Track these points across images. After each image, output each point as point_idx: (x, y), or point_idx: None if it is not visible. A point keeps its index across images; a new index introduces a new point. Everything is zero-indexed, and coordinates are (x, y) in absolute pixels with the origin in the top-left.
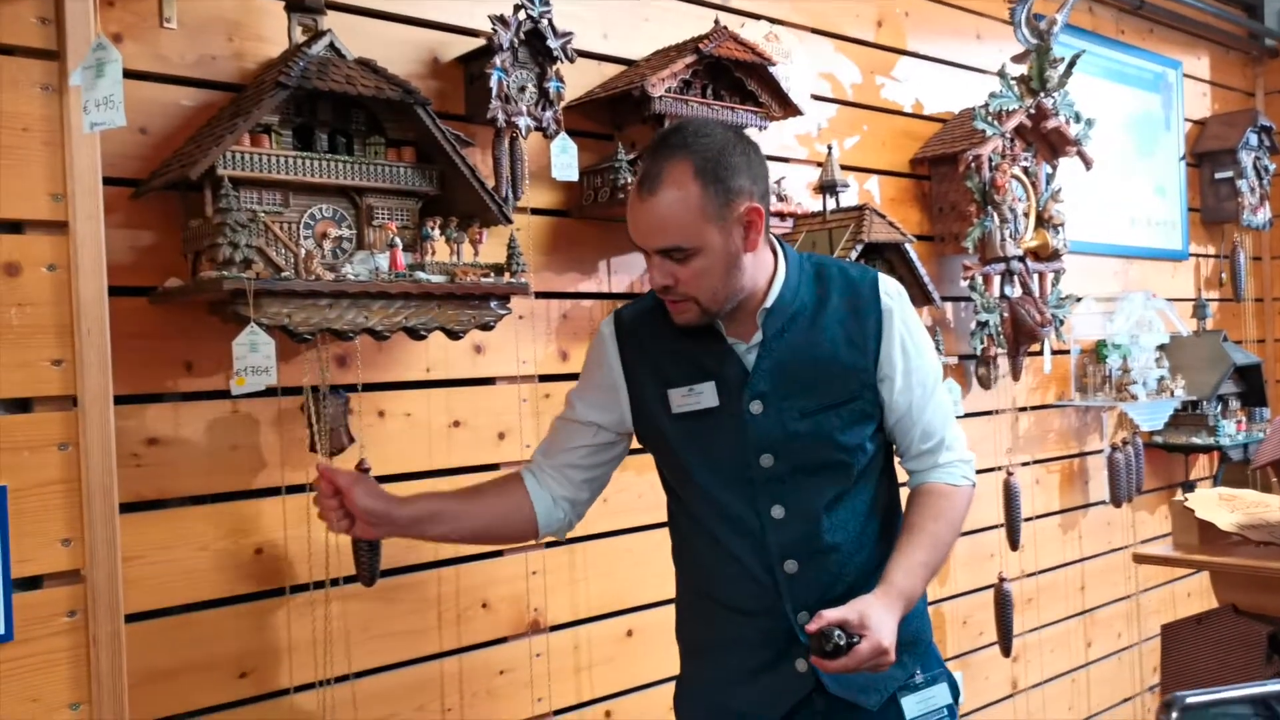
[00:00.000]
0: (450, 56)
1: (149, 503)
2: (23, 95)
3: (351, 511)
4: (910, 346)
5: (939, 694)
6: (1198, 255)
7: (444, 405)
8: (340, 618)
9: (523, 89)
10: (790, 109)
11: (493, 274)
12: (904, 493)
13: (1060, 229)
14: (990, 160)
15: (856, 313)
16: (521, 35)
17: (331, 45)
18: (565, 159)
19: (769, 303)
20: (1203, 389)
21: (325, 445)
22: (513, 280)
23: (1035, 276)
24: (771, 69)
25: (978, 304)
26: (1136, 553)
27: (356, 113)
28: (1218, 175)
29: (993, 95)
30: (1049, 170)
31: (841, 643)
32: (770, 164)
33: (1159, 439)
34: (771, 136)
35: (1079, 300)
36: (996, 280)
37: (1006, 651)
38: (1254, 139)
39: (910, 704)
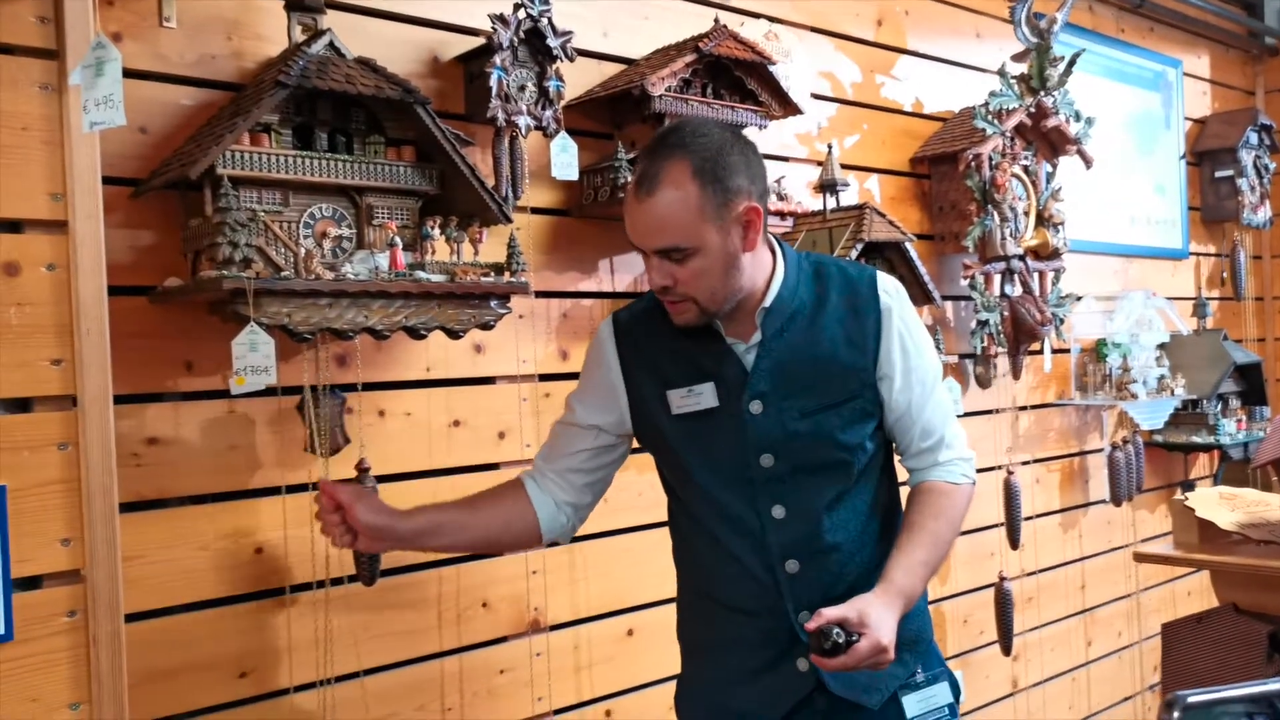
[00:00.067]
0: (450, 55)
1: (149, 502)
2: (22, 94)
3: (354, 527)
4: (909, 345)
5: (940, 693)
6: (1198, 254)
7: (444, 405)
8: (340, 617)
9: (522, 88)
10: (790, 108)
11: (493, 273)
12: (904, 491)
13: (1060, 228)
14: (990, 159)
15: (855, 311)
16: (521, 34)
17: (331, 44)
18: (565, 158)
19: (768, 302)
20: (1203, 388)
21: (325, 445)
22: (513, 279)
23: (1035, 275)
24: (771, 68)
25: (978, 303)
26: (1137, 551)
27: (356, 112)
28: (1218, 174)
29: (993, 94)
30: (1049, 169)
31: (840, 641)
32: (770, 163)
33: (1159, 438)
34: (771, 135)
35: (1079, 299)
36: (997, 279)
37: (1007, 650)
38: (1254, 137)
39: (911, 703)
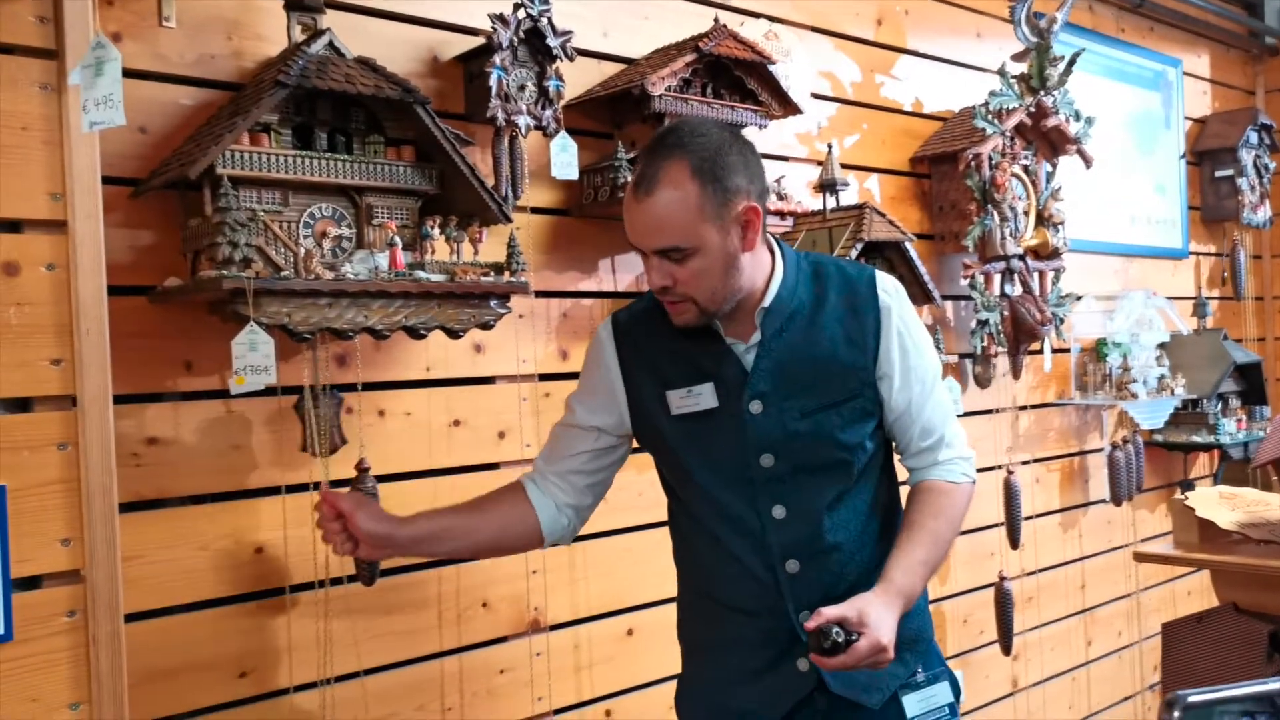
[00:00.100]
0: (450, 55)
1: (148, 502)
2: (22, 94)
3: (354, 535)
4: (909, 344)
5: (940, 692)
6: (1198, 253)
7: (444, 404)
8: (340, 617)
9: (522, 88)
10: (790, 107)
11: (492, 273)
12: (904, 491)
13: (1060, 227)
14: (990, 159)
15: (855, 311)
16: (521, 34)
17: (331, 44)
18: (565, 158)
19: (767, 302)
20: (1203, 387)
21: (325, 446)
22: (513, 279)
23: (1035, 275)
24: (771, 67)
25: (978, 302)
26: (1137, 551)
27: (356, 111)
28: (1218, 173)
29: (993, 94)
30: (1049, 168)
31: (840, 640)
32: (770, 163)
33: (1159, 437)
34: (771, 135)
35: (1079, 299)
36: (997, 279)
37: (1007, 650)
38: (1254, 137)
39: (911, 702)
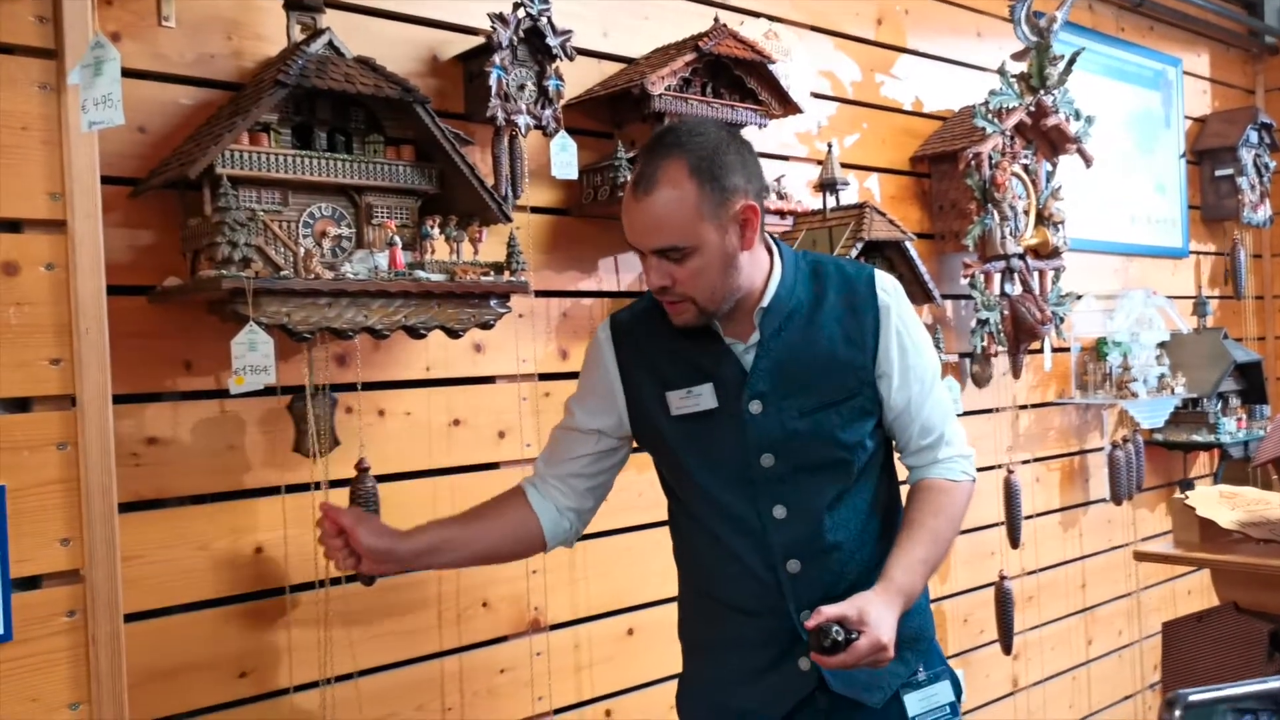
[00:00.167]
0: (449, 55)
1: (148, 502)
2: (21, 94)
3: (356, 550)
4: (908, 342)
5: (941, 691)
6: (1198, 253)
7: (444, 404)
8: (340, 617)
9: (522, 87)
10: (790, 107)
11: (492, 272)
12: (904, 490)
13: (1060, 226)
14: (990, 158)
15: (853, 310)
16: (521, 33)
17: (330, 44)
18: (565, 157)
19: (765, 302)
20: (1203, 386)
21: (324, 446)
22: (512, 279)
23: (1035, 274)
24: (771, 67)
25: (978, 302)
26: (1137, 550)
27: (355, 111)
28: (1218, 172)
29: (993, 93)
30: (1049, 168)
31: (840, 638)
32: (770, 162)
33: (1159, 436)
34: (771, 134)
35: (1079, 298)
36: (997, 278)
37: (1007, 649)
38: (1254, 136)
39: (913, 701)
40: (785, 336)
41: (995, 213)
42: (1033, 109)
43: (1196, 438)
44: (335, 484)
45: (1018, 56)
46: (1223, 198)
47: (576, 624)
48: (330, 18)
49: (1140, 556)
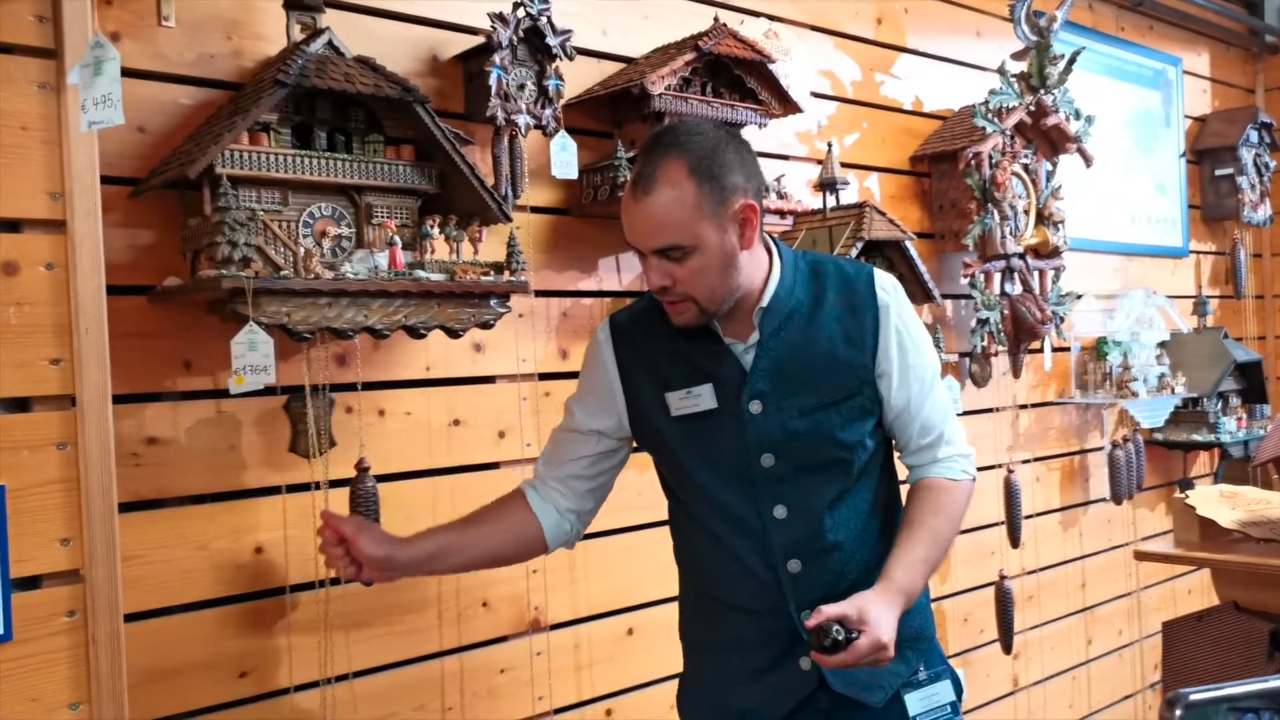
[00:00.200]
0: (449, 54)
1: (148, 502)
2: (20, 93)
3: (357, 559)
4: (907, 341)
5: (942, 691)
6: (1198, 252)
7: (444, 404)
8: (340, 617)
9: (522, 87)
10: (790, 106)
11: (492, 272)
12: (905, 490)
13: (1060, 226)
14: (990, 157)
15: (853, 309)
16: (521, 33)
17: (330, 43)
18: (565, 157)
19: (765, 302)
20: (1203, 386)
21: (319, 446)
22: (512, 278)
23: (1035, 274)
24: (771, 66)
25: (978, 301)
26: (1138, 550)
27: (355, 111)
28: (1218, 172)
29: (993, 92)
30: (1049, 167)
31: (840, 638)
32: (770, 162)
33: (1159, 436)
34: (771, 134)
35: (1079, 297)
36: (997, 277)
37: (1007, 649)
38: (1254, 136)
39: (914, 701)
40: (785, 336)
41: (995, 212)
42: (1033, 108)
43: (1197, 437)
44: (335, 484)
45: (1018, 56)
46: (1223, 197)
47: (576, 624)
48: (330, 17)
49: (1141, 556)
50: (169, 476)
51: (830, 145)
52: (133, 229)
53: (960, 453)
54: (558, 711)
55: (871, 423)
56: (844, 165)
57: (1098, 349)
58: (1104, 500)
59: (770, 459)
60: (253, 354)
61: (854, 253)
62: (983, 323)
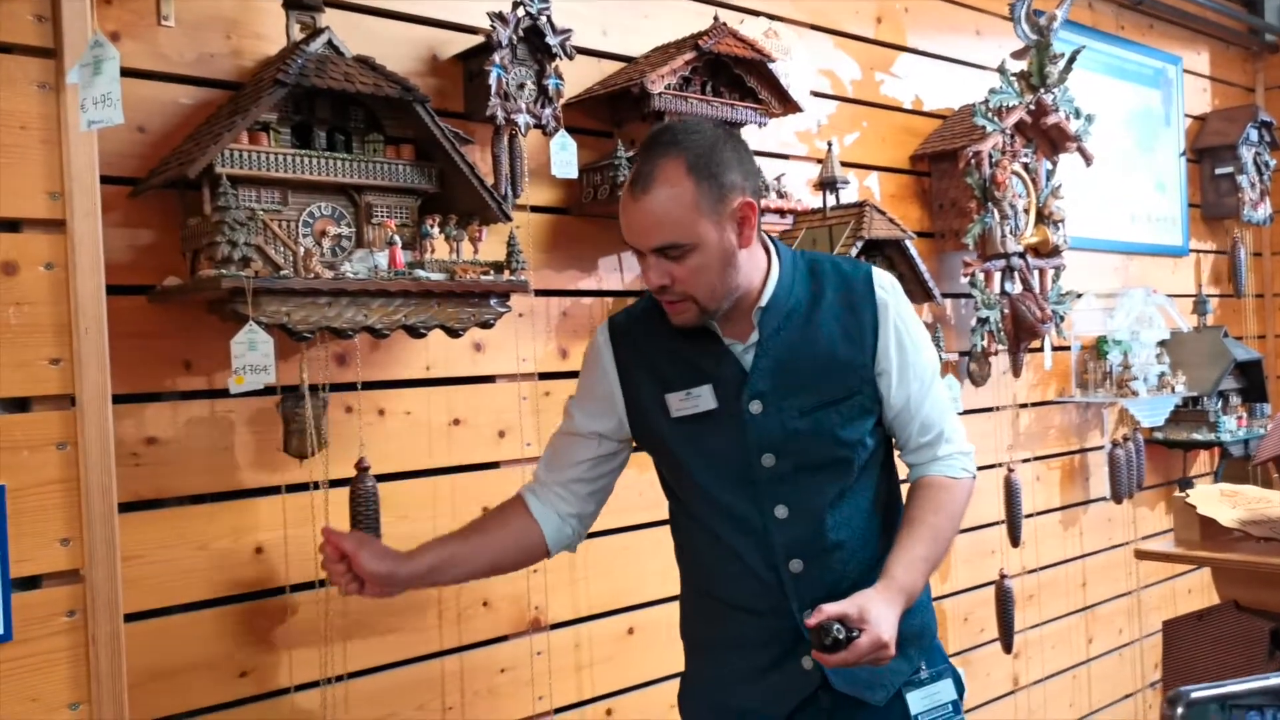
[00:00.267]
0: (449, 54)
1: (148, 502)
2: (20, 93)
3: (359, 575)
4: (907, 340)
5: (944, 689)
6: (1198, 251)
7: (444, 403)
8: (340, 617)
9: (522, 86)
10: (790, 105)
11: (492, 272)
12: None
13: (1060, 225)
14: (990, 156)
15: (852, 308)
16: (520, 32)
17: (330, 43)
18: (565, 156)
19: (764, 301)
20: (1203, 385)
21: (314, 445)
22: (512, 278)
23: (1035, 273)
24: (771, 65)
25: (978, 300)
26: (1138, 549)
27: (355, 110)
28: (1218, 171)
29: (993, 91)
30: (1049, 166)
31: (841, 636)
32: (770, 161)
33: (1160, 435)
34: (771, 133)
35: (1079, 296)
36: (997, 276)
37: (1008, 648)
38: (1254, 134)
39: (915, 700)
40: (784, 336)
41: (995, 211)
42: (1033, 107)
43: (1197, 436)
44: (335, 484)
45: (1018, 55)
46: (1223, 196)
47: (577, 623)
48: (329, 17)
49: (1141, 555)
50: (169, 476)
51: (830, 144)
52: (132, 229)
53: (960, 450)
54: (558, 711)
55: (872, 421)
56: (844, 164)
57: (1098, 348)
58: (1104, 499)
59: (771, 459)
60: (252, 354)
61: (854, 252)
62: (983, 322)
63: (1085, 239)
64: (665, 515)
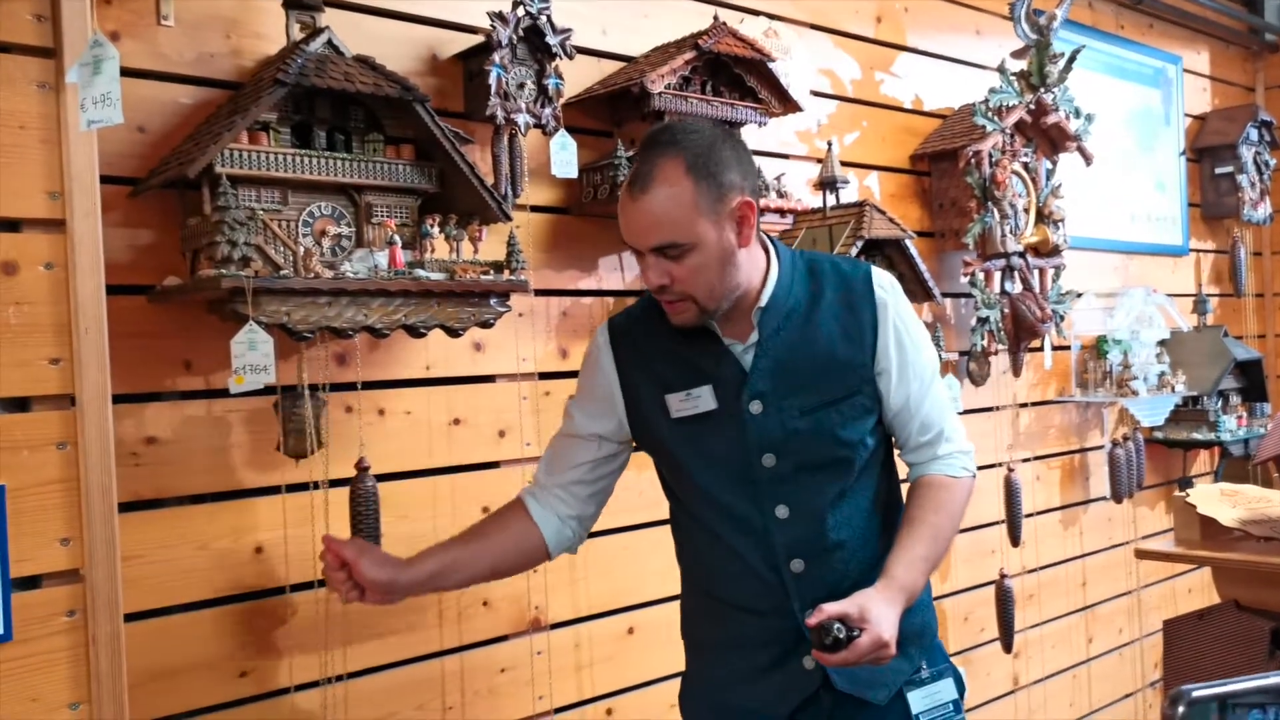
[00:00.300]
0: (449, 53)
1: (148, 502)
2: (19, 93)
3: (360, 583)
4: (906, 339)
5: (945, 689)
6: (1198, 250)
7: (444, 403)
8: (340, 617)
9: (522, 86)
10: (790, 105)
11: (492, 271)
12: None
13: (1060, 224)
14: (990, 156)
15: (851, 307)
16: (520, 32)
17: (329, 42)
18: (565, 156)
19: (763, 301)
20: (1203, 384)
21: (311, 446)
22: (512, 278)
23: (1035, 272)
24: (771, 65)
25: (978, 300)
26: (1138, 548)
27: (355, 110)
28: (1218, 170)
29: (992, 91)
30: (1049, 166)
31: (842, 636)
32: (770, 160)
33: (1160, 434)
34: (771, 133)
35: (1079, 296)
36: (997, 276)
37: (1008, 648)
38: (1254, 134)
39: (916, 699)
40: (784, 336)
41: (995, 211)
42: (1033, 107)
43: (1197, 435)
44: (335, 483)
45: (1018, 54)
46: (1223, 195)
47: (577, 623)
48: (329, 16)
49: (1142, 554)
50: (169, 476)
51: (830, 144)
52: (132, 229)
53: (960, 449)
54: (558, 711)
55: (872, 421)
56: (844, 164)
57: (1098, 347)
58: (1104, 499)
59: (771, 459)
60: (252, 353)
61: (854, 251)
62: (983, 321)
63: (1085, 238)
64: (665, 515)
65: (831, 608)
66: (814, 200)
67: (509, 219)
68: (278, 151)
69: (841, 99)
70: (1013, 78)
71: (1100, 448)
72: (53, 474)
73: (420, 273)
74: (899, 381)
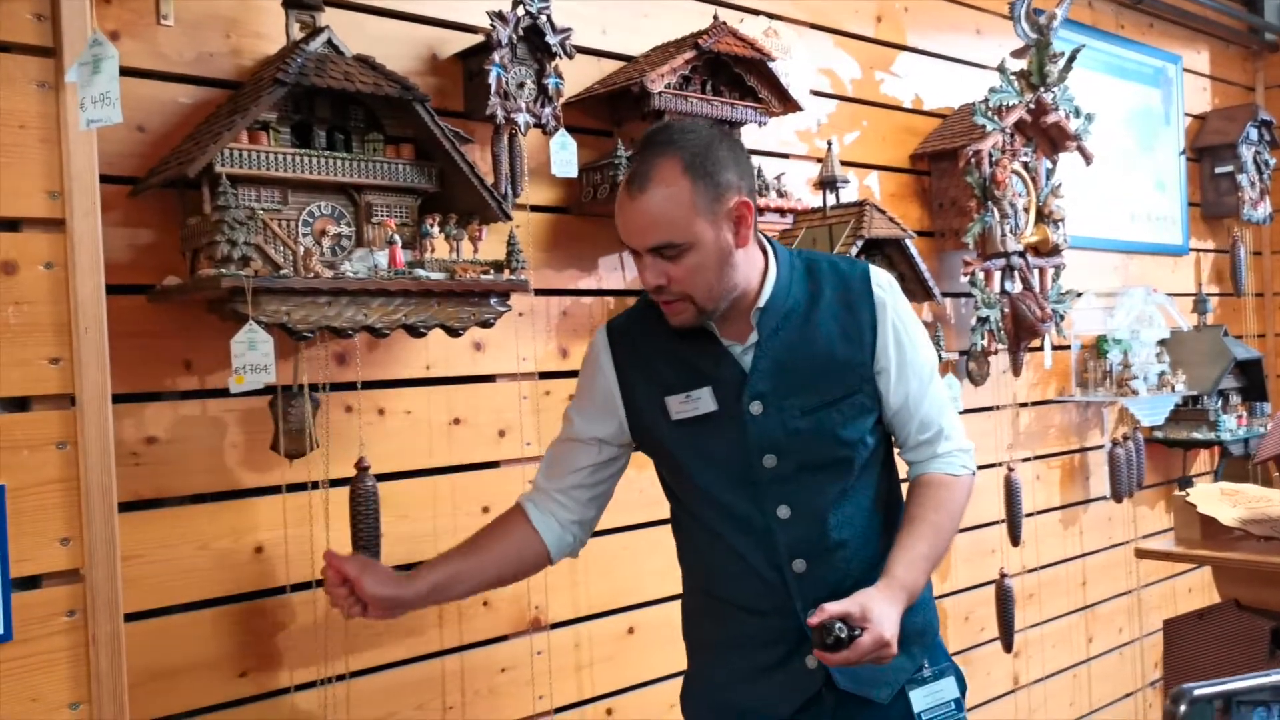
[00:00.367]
0: (449, 53)
1: (148, 502)
2: (19, 92)
3: (362, 598)
4: (904, 338)
5: (946, 687)
6: (1198, 250)
7: (444, 403)
8: (340, 617)
9: (521, 85)
10: (790, 104)
11: (492, 271)
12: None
13: (1060, 224)
14: (990, 155)
15: (850, 306)
16: (520, 31)
17: (329, 42)
18: (565, 155)
19: (762, 302)
20: (1203, 384)
21: (306, 445)
22: (512, 277)
23: (1035, 272)
24: (771, 64)
25: (978, 299)
26: (1139, 548)
27: (355, 110)
28: (1218, 170)
29: (992, 90)
30: (1049, 165)
31: (843, 635)
32: (770, 160)
33: (1160, 434)
34: (771, 132)
35: (1079, 295)
36: (997, 275)
37: (1008, 647)
38: (1254, 133)
39: (918, 698)
40: (783, 336)
41: (995, 210)
42: (1032, 106)
43: (1197, 435)
44: (335, 483)
45: (1017, 54)
46: (1223, 195)
47: (577, 623)
48: (329, 16)
49: (1142, 554)
50: (169, 476)
51: (830, 143)
52: (132, 228)
53: (960, 448)
54: (558, 710)
55: (872, 420)
56: (844, 163)
57: (1098, 347)
58: (1104, 498)
59: (772, 459)
60: (252, 353)
61: (854, 251)
62: (983, 321)
63: (1085, 238)
64: (665, 515)
65: (833, 607)
66: (814, 200)
67: (509, 218)
68: (277, 151)
69: (841, 98)
70: (1013, 77)
71: (1100, 447)
72: (53, 474)
73: (420, 272)
74: (898, 380)
